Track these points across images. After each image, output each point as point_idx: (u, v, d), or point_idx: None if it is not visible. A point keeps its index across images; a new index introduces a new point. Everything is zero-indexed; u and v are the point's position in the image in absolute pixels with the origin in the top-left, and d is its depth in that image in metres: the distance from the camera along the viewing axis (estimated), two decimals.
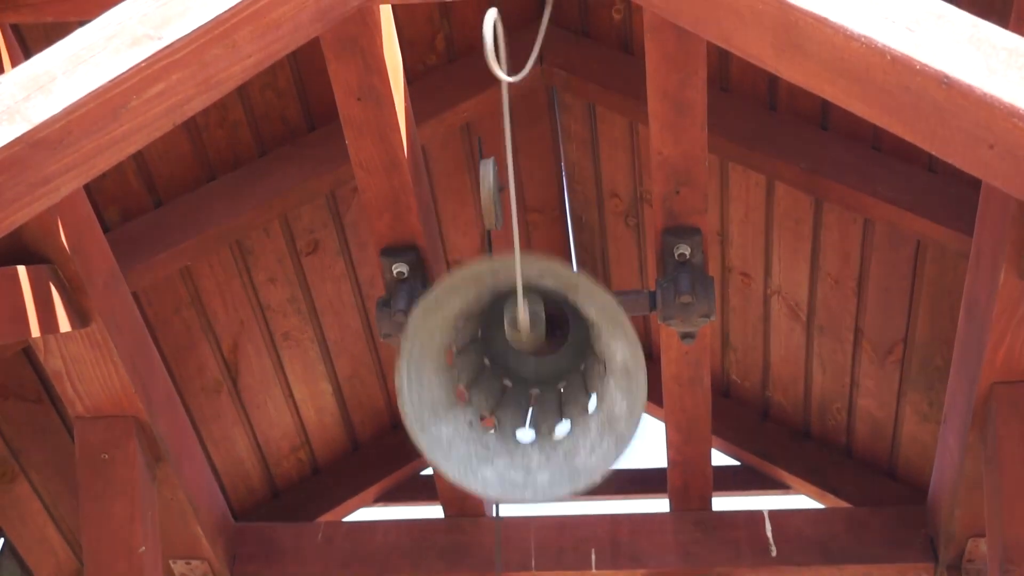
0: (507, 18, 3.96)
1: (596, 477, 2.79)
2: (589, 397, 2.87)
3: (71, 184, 2.42)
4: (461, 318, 2.81)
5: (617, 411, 2.75)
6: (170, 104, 2.44)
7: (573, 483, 2.80)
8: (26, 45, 3.32)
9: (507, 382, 2.96)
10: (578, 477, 2.80)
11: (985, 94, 2.13)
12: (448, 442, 2.79)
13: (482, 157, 3.02)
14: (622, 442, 2.77)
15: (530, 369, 2.98)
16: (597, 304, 2.70)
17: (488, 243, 3.24)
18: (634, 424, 2.73)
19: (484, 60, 4.20)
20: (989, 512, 3.50)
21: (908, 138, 2.29)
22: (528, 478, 2.78)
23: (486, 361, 2.94)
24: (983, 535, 3.82)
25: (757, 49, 2.39)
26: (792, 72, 2.37)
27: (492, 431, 2.85)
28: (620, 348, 2.69)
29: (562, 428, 2.87)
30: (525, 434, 2.85)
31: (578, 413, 2.86)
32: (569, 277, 2.72)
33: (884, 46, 2.21)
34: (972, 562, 4.02)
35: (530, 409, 2.91)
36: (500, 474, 2.80)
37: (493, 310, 2.86)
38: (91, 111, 2.35)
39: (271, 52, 2.54)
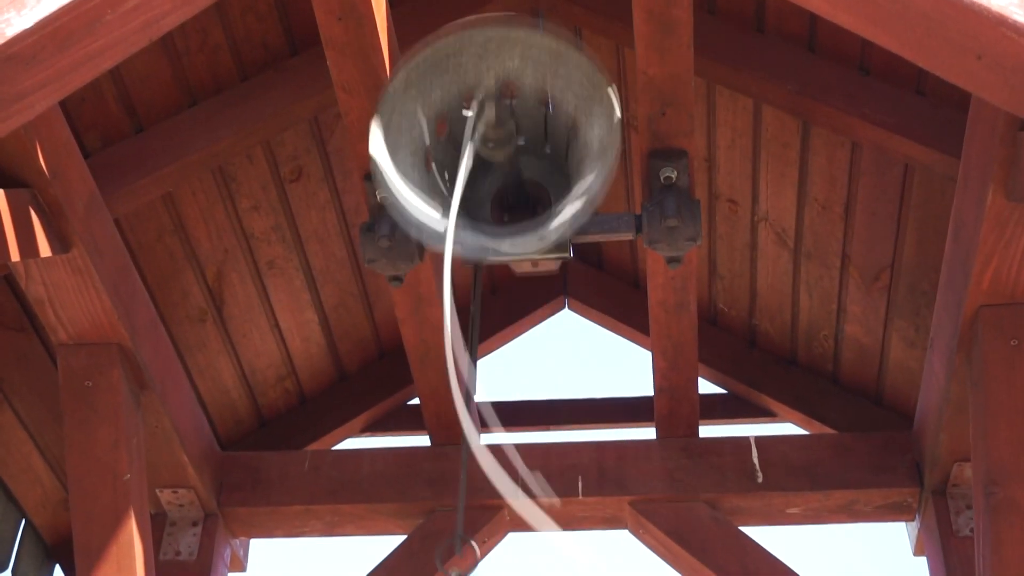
0: None
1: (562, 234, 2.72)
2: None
3: (46, 100, 2.39)
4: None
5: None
6: (146, 19, 2.41)
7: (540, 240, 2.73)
8: None
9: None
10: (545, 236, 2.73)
11: (973, 2, 2.09)
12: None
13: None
14: (588, 205, 2.68)
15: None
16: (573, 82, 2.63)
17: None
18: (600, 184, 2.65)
19: None
20: (974, 435, 3.50)
21: (895, 50, 2.26)
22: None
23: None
24: (968, 460, 3.83)
25: None
26: None
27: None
28: (597, 130, 2.64)
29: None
30: None
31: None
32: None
33: None
34: (957, 487, 4.03)
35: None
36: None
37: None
38: (65, 25, 2.31)
39: None
